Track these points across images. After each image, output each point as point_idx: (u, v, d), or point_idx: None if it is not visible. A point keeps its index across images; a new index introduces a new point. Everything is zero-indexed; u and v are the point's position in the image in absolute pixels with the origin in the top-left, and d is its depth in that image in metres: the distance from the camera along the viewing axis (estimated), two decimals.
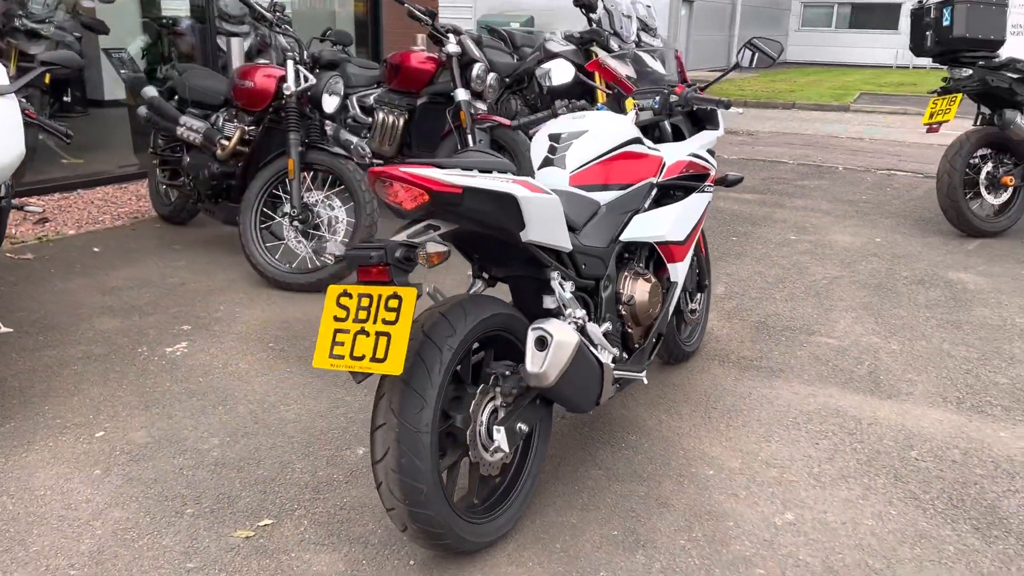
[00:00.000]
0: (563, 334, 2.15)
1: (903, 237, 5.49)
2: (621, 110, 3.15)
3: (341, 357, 1.91)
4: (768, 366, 3.42)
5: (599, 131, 2.65)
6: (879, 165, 8.08)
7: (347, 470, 2.61)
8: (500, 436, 2.16)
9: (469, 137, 5.04)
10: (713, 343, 3.65)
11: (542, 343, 2.13)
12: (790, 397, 3.15)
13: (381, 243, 1.96)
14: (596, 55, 5.91)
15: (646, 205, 2.77)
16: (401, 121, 5.52)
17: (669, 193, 2.94)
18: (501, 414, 2.20)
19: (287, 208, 4.26)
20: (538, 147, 2.69)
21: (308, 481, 2.55)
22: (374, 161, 5.19)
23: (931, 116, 5.36)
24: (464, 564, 2.18)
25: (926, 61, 22.91)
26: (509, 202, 2.08)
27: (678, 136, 3.11)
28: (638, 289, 2.67)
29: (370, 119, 5.56)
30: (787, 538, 2.31)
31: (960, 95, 5.28)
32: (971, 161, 5.30)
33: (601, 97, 5.50)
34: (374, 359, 1.87)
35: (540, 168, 2.65)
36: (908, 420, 2.98)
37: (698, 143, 3.03)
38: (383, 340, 1.87)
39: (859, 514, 2.42)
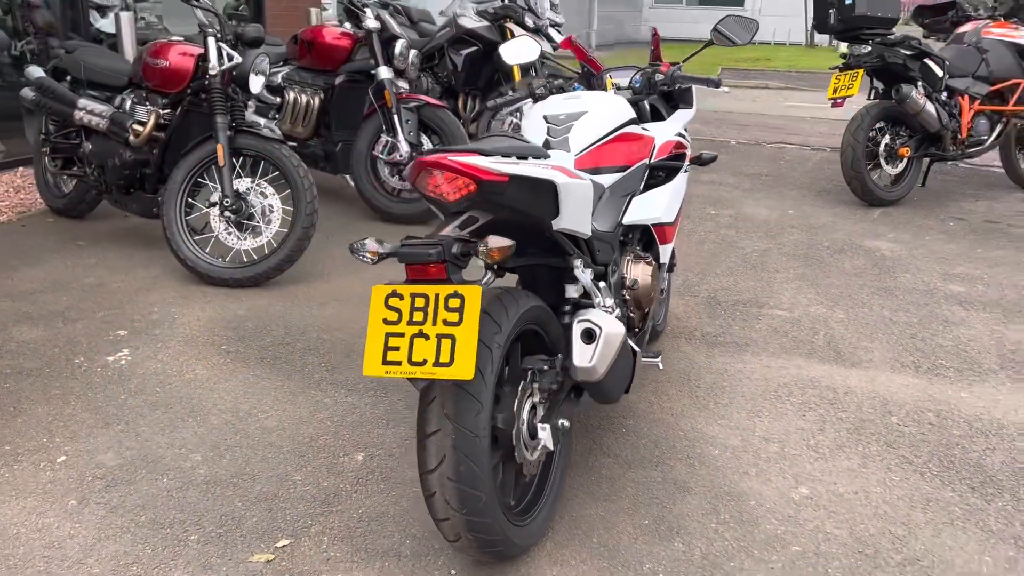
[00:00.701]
0: (611, 326, 2.09)
1: (812, 208, 5.74)
2: (592, 89, 3.10)
3: (397, 363, 1.77)
4: (733, 341, 3.49)
5: (599, 112, 2.59)
6: (768, 139, 8.40)
7: (352, 478, 2.46)
8: (545, 434, 2.08)
9: (395, 118, 4.86)
10: (674, 321, 3.68)
11: (590, 336, 2.06)
12: (763, 371, 3.23)
13: (435, 239, 1.83)
14: (511, 32, 5.83)
15: (641, 187, 2.75)
16: (316, 101, 5.26)
17: (654, 173, 2.92)
18: (540, 411, 2.13)
19: (214, 198, 3.97)
20: (533, 129, 2.60)
21: (315, 494, 2.38)
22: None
23: (834, 91, 5.60)
24: (507, 570, 2.10)
25: (770, 36, 23.73)
26: (548, 189, 2.00)
27: (656, 116, 3.09)
28: (640, 273, 2.65)
29: (278, 99, 5.26)
30: (809, 512, 2.36)
31: (861, 71, 5.55)
32: (869, 134, 5.59)
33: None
34: (438, 364, 1.75)
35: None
36: (878, 387, 3.12)
37: (680, 122, 3.03)
38: (446, 343, 1.75)
39: (866, 483, 2.51)
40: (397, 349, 1.78)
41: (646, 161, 2.76)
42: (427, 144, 4.97)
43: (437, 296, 1.79)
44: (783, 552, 2.19)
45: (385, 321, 1.80)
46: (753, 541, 2.23)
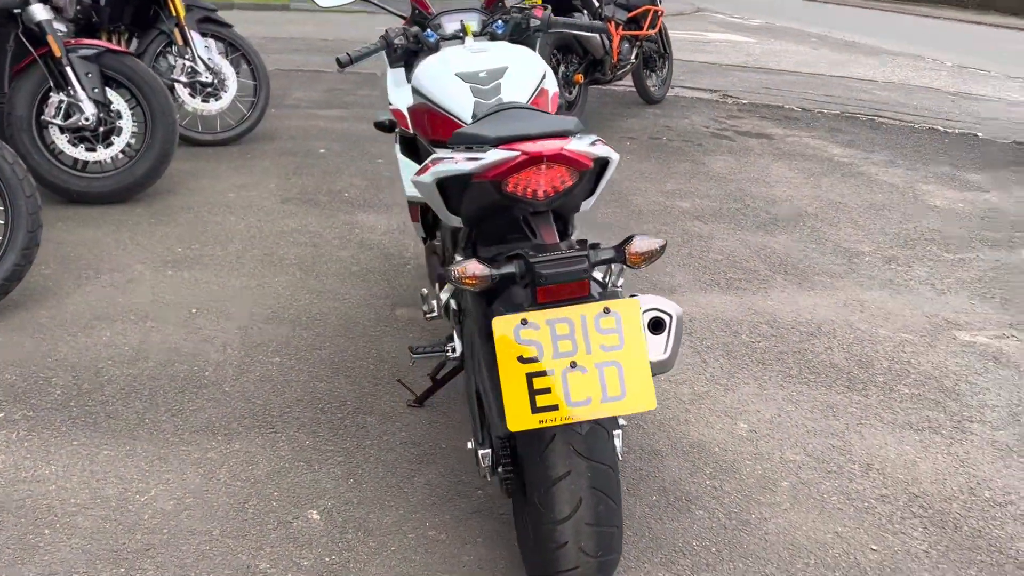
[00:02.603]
0: (675, 308, 1.93)
1: None
2: (413, 33, 2.75)
3: (553, 408, 1.45)
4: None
5: (519, 66, 2.30)
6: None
7: (327, 545, 2.00)
8: (618, 441, 1.89)
9: (69, 71, 3.82)
10: None
11: (659, 325, 1.89)
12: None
13: (570, 251, 1.50)
14: None
15: None
16: None
17: None
18: None
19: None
20: (451, 92, 2.22)
21: None
22: None
23: None
24: None
25: None
26: (601, 168, 1.77)
27: None
28: None
29: None
30: (764, 444, 2.51)
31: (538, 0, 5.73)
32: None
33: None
34: (608, 399, 1.47)
35: (479, 115, 2.20)
36: (707, 309, 3.39)
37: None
38: (611, 373, 1.47)
39: (779, 404, 2.73)
40: (548, 391, 1.46)
41: None
42: (119, 103, 4.01)
43: (584, 318, 1.49)
44: (776, 488, 2.31)
45: (522, 359, 1.46)
46: (744, 485, 2.32)
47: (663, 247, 1.67)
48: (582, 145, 1.62)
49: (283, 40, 9.38)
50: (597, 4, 5.99)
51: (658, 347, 1.91)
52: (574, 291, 1.53)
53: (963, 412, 2.74)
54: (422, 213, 2.65)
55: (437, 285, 2.42)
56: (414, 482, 2.24)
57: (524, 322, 1.48)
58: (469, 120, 2.18)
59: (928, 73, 10.42)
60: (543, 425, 1.47)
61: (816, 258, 3.98)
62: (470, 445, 1.93)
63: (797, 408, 2.71)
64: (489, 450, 1.80)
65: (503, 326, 1.48)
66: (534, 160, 1.53)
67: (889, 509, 2.25)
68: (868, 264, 3.94)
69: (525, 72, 2.29)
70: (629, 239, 1.64)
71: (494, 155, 1.58)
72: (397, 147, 2.71)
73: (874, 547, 2.11)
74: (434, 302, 2.21)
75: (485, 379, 1.81)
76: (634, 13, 6.55)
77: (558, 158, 1.53)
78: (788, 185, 5.16)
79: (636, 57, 6.70)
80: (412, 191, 2.49)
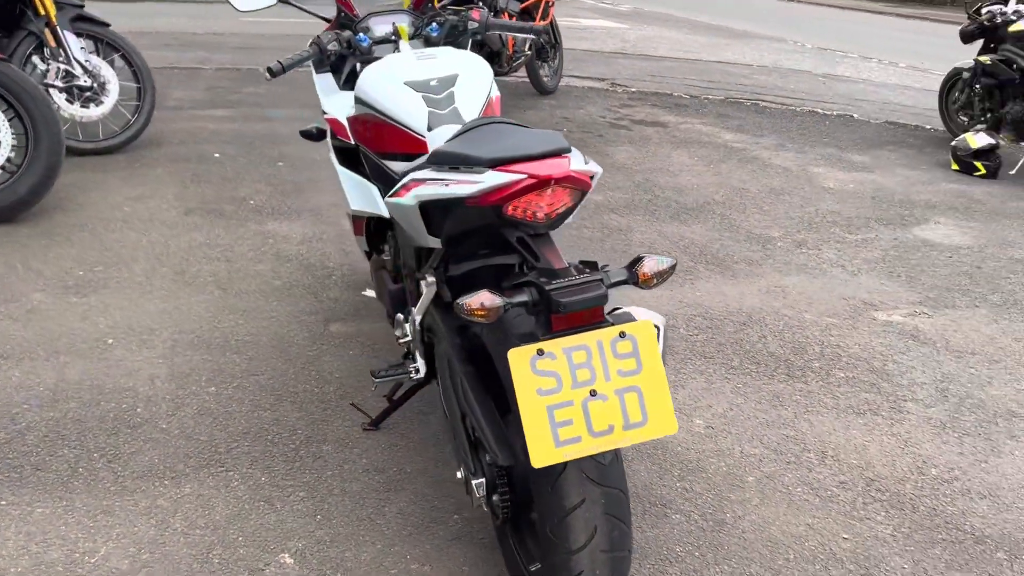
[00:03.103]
0: (660, 319, 1.90)
1: None
2: (345, 38, 2.62)
3: (576, 440, 1.40)
4: None
5: (471, 74, 2.22)
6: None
7: None
8: None
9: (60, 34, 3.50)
10: None
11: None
12: None
13: (583, 276, 1.44)
14: None
15: None
16: None
17: None
18: None
19: None
20: (402, 102, 2.10)
21: None
22: None
23: None
24: None
25: None
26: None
27: None
28: None
29: None
30: (722, 441, 2.55)
31: None
32: None
33: None
34: (630, 426, 1.43)
35: (434, 126, 2.09)
36: (644, 306, 3.41)
37: None
38: (632, 398, 1.43)
39: (728, 399, 2.78)
40: (570, 423, 1.40)
41: None
42: (108, 72, 3.76)
43: (600, 344, 1.44)
44: (743, 484, 2.35)
45: (541, 392, 1.39)
46: (713, 484, 2.34)
47: (673, 266, 1.64)
48: (580, 163, 1.56)
49: (152, 35, 8.84)
50: None
51: None
52: (590, 317, 1.47)
53: (896, 392, 2.87)
54: (367, 226, 2.53)
55: (395, 304, 2.31)
56: (386, 513, 2.14)
57: (540, 352, 1.42)
58: (424, 131, 2.08)
59: (794, 56, 10.93)
60: (568, 458, 1.41)
61: (732, 246, 4.08)
62: (459, 475, 1.85)
63: (746, 400, 2.76)
64: (483, 479, 1.73)
65: (519, 359, 1.41)
66: (542, 183, 1.46)
67: (851, 496, 2.33)
68: (781, 250, 4.08)
69: (476, 79, 2.21)
70: (639, 260, 1.60)
71: (495, 178, 1.50)
72: (334, 158, 2.57)
73: (845, 535, 2.17)
74: (407, 326, 2.11)
75: (472, 403, 1.74)
76: (526, 4, 6.54)
77: (567, 180, 1.48)
78: (691, 173, 5.27)
79: (530, 48, 6.69)
80: (359, 205, 2.37)
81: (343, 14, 2.67)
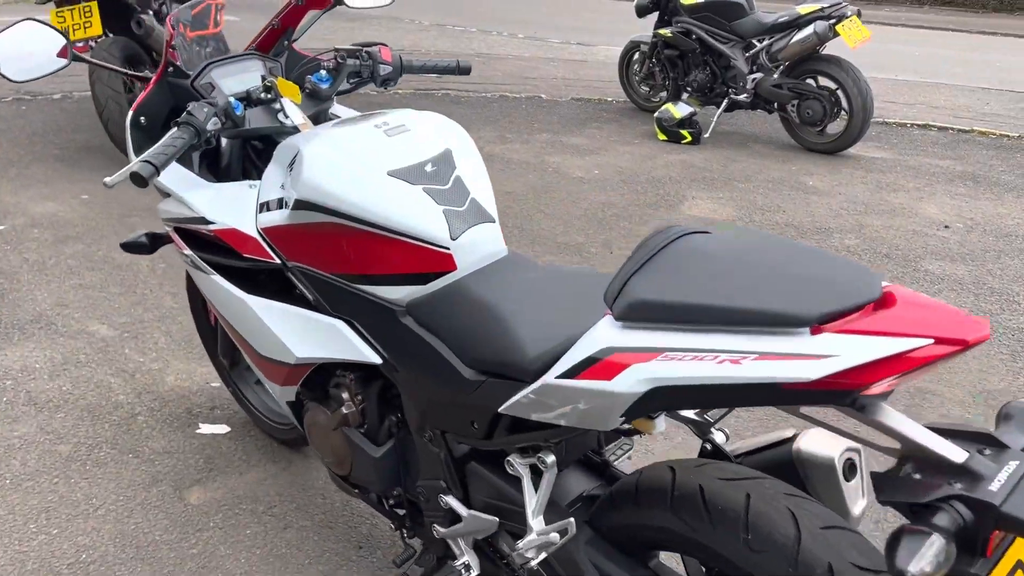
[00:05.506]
0: (853, 442, 1.48)
1: None
2: (170, 92, 1.85)
3: None
4: None
5: (459, 144, 1.61)
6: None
7: None
8: None
9: None
10: None
11: (852, 468, 1.41)
12: None
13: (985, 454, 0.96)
14: None
15: None
16: None
17: None
18: None
19: None
20: (403, 201, 1.45)
21: None
22: None
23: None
24: None
25: None
26: None
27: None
28: None
29: None
30: None
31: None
32: None
33: None
34: None
35: (458, 233, 1.47)
36: None
37: None
38: None
39: None
40: None
41: None
42: None
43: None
44: None
45: None
46: None
47: None
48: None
49: None
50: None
51: (855, 495, 1.44)
52: None
53: None
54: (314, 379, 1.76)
55: (387, 477, 1.64)
56: None
57: None
58: (448, 241, 1.46)
59: (456, 38, 10.87)
60: None
61: (553, 259, 3.80)
62: None
63: None
64: None
65: None
66: (956, 351, 0.93)
67: None
68: (599, 257, 3.89)
69: (469, 152, 1.62)
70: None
71: (865, 349, 0.96)
72: (217, 280, 1.76)
73: None
74: (531, 538, 1.41)
75: None
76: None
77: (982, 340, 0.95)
78: None
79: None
80: (310, 352, 1.63)
81: (172, 68, 1.84)
